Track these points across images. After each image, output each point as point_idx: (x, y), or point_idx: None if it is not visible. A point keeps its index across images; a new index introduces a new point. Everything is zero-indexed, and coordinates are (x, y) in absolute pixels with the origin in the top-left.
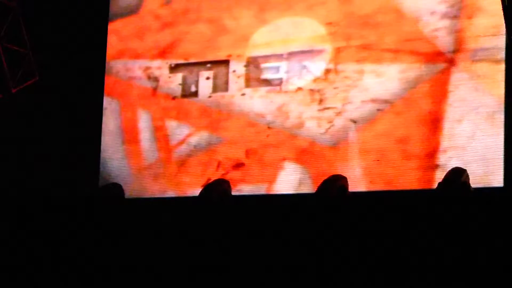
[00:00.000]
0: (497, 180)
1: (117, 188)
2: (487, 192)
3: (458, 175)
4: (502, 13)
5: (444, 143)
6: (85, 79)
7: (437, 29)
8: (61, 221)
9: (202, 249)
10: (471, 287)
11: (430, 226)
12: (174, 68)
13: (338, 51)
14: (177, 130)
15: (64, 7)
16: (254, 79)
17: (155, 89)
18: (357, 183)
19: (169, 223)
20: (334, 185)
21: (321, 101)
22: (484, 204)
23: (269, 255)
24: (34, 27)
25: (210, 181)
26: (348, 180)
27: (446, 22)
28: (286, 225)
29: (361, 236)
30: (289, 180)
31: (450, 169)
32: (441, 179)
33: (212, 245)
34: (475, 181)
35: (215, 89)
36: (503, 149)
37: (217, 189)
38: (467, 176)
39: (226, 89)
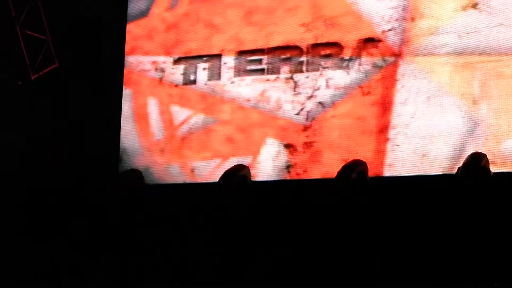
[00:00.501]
0: (435, 149)
1: (137, 175)
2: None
3: (478, 160)
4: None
5: (393, 121)
6: (103, 66)
7: (387, 30)
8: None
9: (225, 234)
10: (495, 273)
11: (452, 209)
12: (176, 61)
13: (309, 47)
14: (179, 112)
15: None
16: (241, 70)
17: (161, 79)
18: (324, 153)
19: (191, 208)
20: (354, 170)
21: (295, 87)
22: (503, 188)
23: (292, 240)
24: (54, 14)
25: (209, 157)
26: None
27: (394, 24)
28: (307, 210)
29: (384, 220)
30: (270, 153)
31: (470, 153)
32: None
33: (234, 230)
34: (416, 153)
35: (210, 78)
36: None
37: (237, 175)
38: (487, 161)
39: (219, 78)
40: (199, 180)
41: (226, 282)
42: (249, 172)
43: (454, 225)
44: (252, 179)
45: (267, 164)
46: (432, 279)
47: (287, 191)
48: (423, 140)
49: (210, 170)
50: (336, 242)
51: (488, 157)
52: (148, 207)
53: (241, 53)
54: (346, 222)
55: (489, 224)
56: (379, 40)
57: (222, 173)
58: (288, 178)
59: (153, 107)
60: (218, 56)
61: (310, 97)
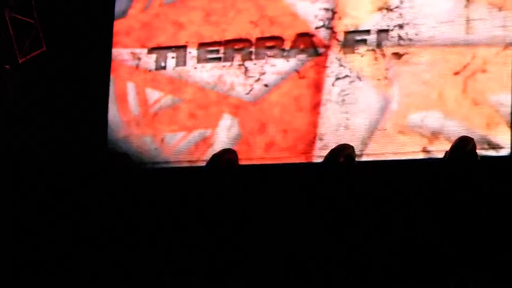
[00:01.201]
0: (356, 123)
1: (126, 159)
2: (494, 160)
3: (465, 143)
4: None
5: (323, 99)
6: (91, 51)
7: (319, 27)
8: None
9: (214, 218)
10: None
11: (439, 193)
12: (150, 51)
13: (257, 39)
14: (152, 94)
15: None
16: (202, 59)
17: (137, 66)
18: (268, 125)
19: (180, 192)
20: (342, 154)
21: (245, 72)
22: (491, 172)
23: (281, 224)
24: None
25: (181, 132)
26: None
27: (325, 22)
28: (295, 194)
29: (371, 204)
30: (225, 126)
31: (458, 137)
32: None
33: (222, 214)
34: (340, 125)
35: (177, 64)
36: (358, 104)
37: (223, 158)
38: (474, 145)
39: (184, 64)
40: (167, 148)
41: (214, 271)
42: (236, 155)
43: (440, 210)
44: (239, 163)
45: (223, 134)
46: (420, 267)
47: (278, 175)
48: (346, 115)
49: (177, 140)
50: (329, 227)
51: (472, 141)
52: (140, 192)
53: (202, 45)
54: (333, 207)
55: (475, 208)
56: (312, 35)
57: (210, 157)
58: (239, 144)
59: (131, 90)
60: (184, 47)
61: (257, 80)
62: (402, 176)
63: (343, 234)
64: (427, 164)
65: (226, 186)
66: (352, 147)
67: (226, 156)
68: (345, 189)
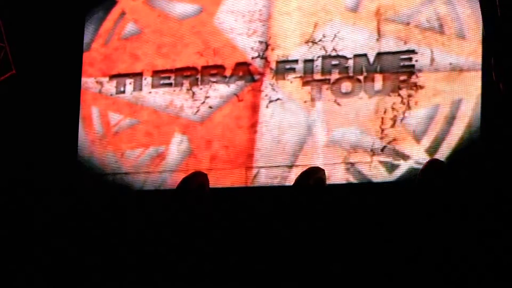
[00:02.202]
0: (286, 138)
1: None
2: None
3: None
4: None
5: (259, 119)
6: (61, 74)
7: (255, 57)
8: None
9: (183, 242)
10: None
11: (411, 215)
12: (111, 78)
13: (202, 68)
14: (114, 116)
15: (42, 3)
16: (155, 84)
17: (100, 92)
18: (213, 142)
19: (150, 216)
20: (311, 177)
21: (193, 96)
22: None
23: (251, 248)
24: (12, 20)
25: (139, 148)
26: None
27: (260, 53)
28: (266, 217)
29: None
30: (177, 142)
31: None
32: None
33: (193, 238)
34: (274, 141)
35: (134, 89)
36: (288, 122)
37: (194, 181)
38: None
39: (140, 89)
40: (128, 162)
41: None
42: (207, 178)
43: (413, 228)
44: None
45: (175, 149)
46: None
47: (247, 198)
48: (277, 132)
49: (135, 156)
50: (297, 248)
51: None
52: (110, 214)
53: (155, 72)
54: (306, 229)
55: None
56: (249, 64)
57: (181, 180)
58: (189, 158)
59: (95, 113)
60: (140, 74)
61: (203, 103)
62: (376, 199)
63: (311, 254)
64: (403, 186)
65: (197, 209)
66: (322, 170)
67: (196, 179)
68: (312, 211)
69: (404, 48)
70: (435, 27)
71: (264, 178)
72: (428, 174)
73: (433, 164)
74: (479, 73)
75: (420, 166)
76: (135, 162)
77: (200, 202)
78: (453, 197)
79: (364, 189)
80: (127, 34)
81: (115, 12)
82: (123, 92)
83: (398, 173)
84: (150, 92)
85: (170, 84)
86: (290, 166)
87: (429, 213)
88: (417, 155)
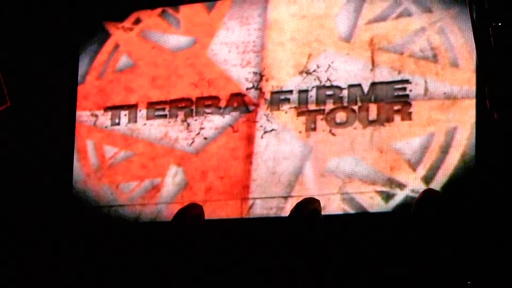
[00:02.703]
0: (282, 168)
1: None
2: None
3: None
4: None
5: (254, 150)
6: (56, 105)
7: (249, 88)
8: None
9: (177, 274)
10: None
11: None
12: (106, 110)
13: (197, 99)
14: (109, 149)
15: (36, 36)
16: (150, 116)
17: (95, 124)
18: (208, 173)
19: (145, 247)
20: (307, 208)
21: (188, 127)
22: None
23: (247, 278)
24: (5, 53)
25: (134, 181)
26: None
27: (254, 84)
28: (261, 248)
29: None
30: (172, 174)
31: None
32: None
33: (186, 269)
34: (269, 171)
35: (129, 121)
36: (283, 152)
37: (189, 213)
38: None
39: (135, 121)
40: (123, 195)
41: None
42: (202, 210)
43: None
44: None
45: (170, 181)
46: None
47: (243, 229)
48: (273, 162)
49: (131, 189)
50: (293, 279)
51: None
52: (106, 246)
53: (150, 104)
54: (301, 260)
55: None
56: (244, 95)
57: (176, 212)
58: (184, 190)
59: (90, 147)
60: (135, 106)
61: (198, 134)
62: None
63: (307, 285)
64: (398, 217)
65: (192, 240)
66: (318, 201)
67: (191, 211)
68: (308, 242)
69: (398, 78)
70: (429, 56)
71: (260, 209)
72: (423, 205)
73: (428, 194)
74: (473, 102)
75: (416, 195)
76: (131, 195)
77: (195, 233)
78: (449, 228)
79: (360, 219)
80: (121, 67)
81: (109, 44)
82: (118, 124)
83: (394, 202)
84: (145, 124)
85: (165, 116)
86: (286, 197)
87: (424, 244)
88: (413, 184)
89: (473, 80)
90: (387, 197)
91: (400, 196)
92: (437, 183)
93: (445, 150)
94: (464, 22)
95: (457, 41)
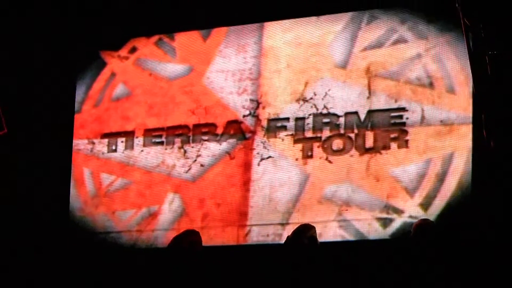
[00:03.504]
0: (278, 195)
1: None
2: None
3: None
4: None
5: (252, 177)
6: (53, 133)
7: (246, 115)
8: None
9: None
10: None
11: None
12: (102, 137)
13: (194, 126)
14: (106, 177)
15: (33, 63)
16: (147, 143)
17: (92, 152)
18: (205, 200)
19: (141, 273)
20: (303, 235)
21: (184, 154)
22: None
23: None
24: (3, 81)
25: (132, 209)
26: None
27: (251, 111)
28: (258, 275)
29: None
30: (169, 201)
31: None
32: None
33: None
34: (265, 198)
35: (126, 148)
36: (280, 179)
37: (185, 240)
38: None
39: (132, 148)
40: (120, 222)
41: None
42: (199, 237)
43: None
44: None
45: (168, 209)
46: None
47: (240, 256)
48: (270, 189)
49: (129, 216)
50: None
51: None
52: (103, 273)
53: (147, 131)
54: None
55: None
56: (241, 122)
57: (173, 238)
58: (182, 217)
59: (87, 175)
60: (132, 133)
61: (194, 161)
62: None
63: None
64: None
65: (189, 267)
66: (314, 227)
67: (188, 238)
68: (305, 269)
69: (395, 105)
70: (425, 83)
71: (257, 236)
72: (418, 237)
73: (422, 225)
74: (470, 127)
75: (414, 220)
76: (128, 222)
77: (192, 260)
78: (444, 256)
79: (358, 246)
80: (118, 96)
81: (105, 73)
82: (115, 150)
83: (392, 228)
84: (142, 151)
85: (161, 143)
86: (283, 224)
87: (420, 273)
88: (410, 210)
89: (470, 105)
90: (385, 222)
91: (398, 222)
92: (434, 210)
93: (442, 177)
94: (460, 48)
95: (453, 67)
